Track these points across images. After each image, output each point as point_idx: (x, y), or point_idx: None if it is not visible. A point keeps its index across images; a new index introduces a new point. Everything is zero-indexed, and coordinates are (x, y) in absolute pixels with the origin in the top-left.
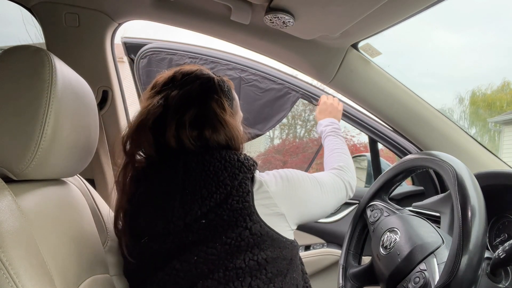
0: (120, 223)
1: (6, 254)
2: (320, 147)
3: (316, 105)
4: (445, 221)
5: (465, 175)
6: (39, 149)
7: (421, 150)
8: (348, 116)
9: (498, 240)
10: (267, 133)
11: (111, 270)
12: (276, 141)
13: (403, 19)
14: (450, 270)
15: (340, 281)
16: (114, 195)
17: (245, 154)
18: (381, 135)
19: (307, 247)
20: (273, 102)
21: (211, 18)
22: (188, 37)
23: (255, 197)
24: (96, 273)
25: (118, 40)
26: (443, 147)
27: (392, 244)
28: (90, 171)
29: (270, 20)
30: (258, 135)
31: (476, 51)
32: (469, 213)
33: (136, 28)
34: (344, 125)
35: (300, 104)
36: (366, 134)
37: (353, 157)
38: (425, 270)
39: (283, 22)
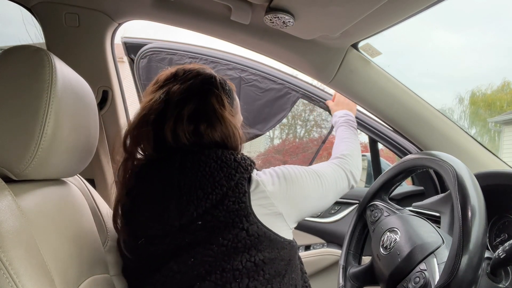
0: (119, 221)
1: (6, 254)
2: (321, 148)
3: (319, 106)
4: (445, 221)
5: (465, 175)
6: (39, 149)
7: (421, 150)
8: None
9: (498, 240)
10: (267, 133)
11: (111, 270)
12: (276, 141)
13: (403, 19)
14: (450, 270)
15: (340, 281)
16: (114, 195)
17: (242, 154)
18: (381, 135)
19: (307, 247)
20: (273, 102)
21: (211, 18)
22: (188, 37)
23: (251, 197)
24: (96, 273)
25: (118, 40)
26: (443, 147)
27: (392, 244)
28: (90, 171)
29: (270, 20)
30: (258, 135)
31: (476, 51)
32: (469, 213)
33: (136, 28)
34: None
35: (300, 104)
36: (366, 134)
37: None
38: (425, 270)
39: (283, 22)
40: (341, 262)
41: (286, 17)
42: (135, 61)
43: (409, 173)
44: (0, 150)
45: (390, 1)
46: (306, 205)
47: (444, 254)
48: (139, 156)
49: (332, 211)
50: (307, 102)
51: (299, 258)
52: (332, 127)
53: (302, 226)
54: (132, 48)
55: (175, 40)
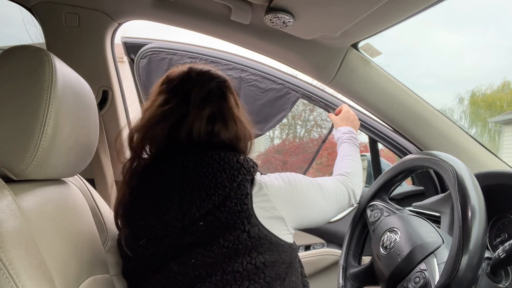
0: (119, 221)
1: (6, 254)
2: (320, 148)
3: (329, 112)
4: (445, 221)
5: (465, 175)
6: (39, 149)
7: (421, 150)
8: None
9: (498, 240)
10: (267, 133)
11: (111, 270)
12: (276, 141)
13: (403, 19)
14: (450, 270)
15: (340, 281)
16: (114, 195)
17: (245, 155)
18: (381, 135)
19: (307, 247)
20: (273, 102)
21: (211, 18)
22: (188, 37)
23: (254, 199)
24: (96, 273)
25: (118, 40)
26: (443, 147)
27: (392, 244)
28: (90, 171)
29: (270, 20)
30: (258, 135)
31: (476, 51)
32: (469, 213)
33: (136, 28)
34: None
35: (300, 104)
36: (366, 134)
37: None
38: (425, 270)
39: (283, 22)
40: (341, 262)
41: (286, 17)
42: (135, 61)
43: (409, 173)
44: (0, 150)
45: (390, 1)
46: (307, 213)
47: (444, 254)
48: (145, 156)
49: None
50: (307, 102)
51: (299, 261)
52: (332, 126)
53: None
54: (132, 48)
55: (175, 40)
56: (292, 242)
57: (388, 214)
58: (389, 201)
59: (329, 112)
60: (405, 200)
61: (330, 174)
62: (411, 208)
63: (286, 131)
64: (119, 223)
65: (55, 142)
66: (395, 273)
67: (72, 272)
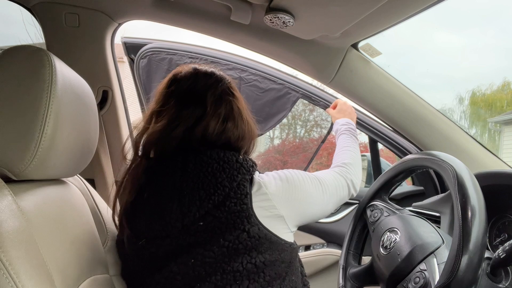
0: (118, 221)
1: (6, 254)
2: (320, 147)
3: (319, 106)
4: (445, 221)
5: (465, 175)
6: (39, 149)
7: (421, 150)
8: None
9: (498, 240)
10: (267, 133)
11: (111, 270)
12: (276, 141)
13: (403, 19)
14: (450, 270)
15: (340, 281)
16: (113, 194)
17: (244, 155)
18: (381, 135)
19: (307, 247)
20: (273, 102)
21: (211, 18)
22: (189, 37)
23: (253, 199)
24: (96, 273)
25: (118, 40)
26: (443, 147)
27: (392, 244)
28: (90, 171)
29: (270, 20)
30: (258, 135)
31: (476, 52)
32: (469, 213)
33: (139, 28)
34: None
35: (300, 104)
36: (366, 134)
37: None
38: (425, 270)
39: (283, 22)
40: (341, 262)
41: (286, 17)
42: (135, 61)
43: (409, 173)
44: (0, 150)
45: (390, 1)
46: (307, 209)
47: (444, 254)
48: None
49: (332, 211)
50: (307, 102)
51: (300, 261)
52: (332, 126)
53: (302, 226)
54: (132, 48)
55: (175, 40)
56: (292, 241)
57: (388, 214)
58: (389, 201)
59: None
60: (405, 200)
61: None
62: (411, 208)
63: (286, 131)
64: (119, 223)
65: (55, 142)
66: (395, 273)
67: (72, 272)
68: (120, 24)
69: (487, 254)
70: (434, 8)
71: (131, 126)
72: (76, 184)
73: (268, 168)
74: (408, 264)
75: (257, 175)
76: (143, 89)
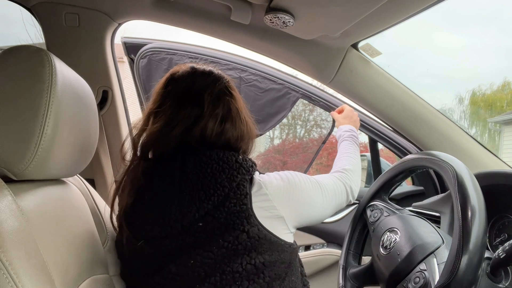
0: (117, 222)
1: (6, 254)
2: (321, 148)
3: (319, 106)
4: (445, 221)
5: (465, 175)
6: (39, 149)
7: (421, 150)
8: None
9: (498, 240)
10: (267, 133)
11: (111, 270)
12: (276, 141)
13: (403, 19)
14: (450, 270)
15: (340, 281)
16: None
17: (243, 155)
18: (381, 135)
19: (307, 247)
20: (273, 102)
21: (211, 18)
22: (188, 37)
23: (253, 199)
24: (96, 273)
25: (118, 40)
26: (443, 147)
27: (392, 244)
28: (90, 171)
29: (270, 20)
30: (258, 135)
31: (476, 52)
32: (469, 213)
33: (139, 28)
34: None
35: (300, 104)
36: (366, 134)
37: None
38: (425, 270)
39: (283, 22)
40: (341, 262)
41: (286, 17)
42: (135, 61)
43: (409, 173)
44: (0, 150)
45: (390, 1)
46: (307, 211)
47: (444, 254)
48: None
49: (330, 216)
50: (307, 102)
51: (300, 261)
52: (333, 126)
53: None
54: (132, 48)
55: (175, 40)
56: (292, 241)
57: (388, 214)
58: (389, 201)
59: (330, 112)
60: (405, 200)
61: None
62: (411, 208)
63: (286, 131)
64: (118, 224)
65: (55, 142)
66: (395, 273)
67: (72, 272)
68: (120, 24)
69: (487, 254)
70: (434, 8)
71: (131, 126)
72: (76, 184)
73: (268, 168)
74: (408, 264)
75: (257, 175)
76: (143, 89)
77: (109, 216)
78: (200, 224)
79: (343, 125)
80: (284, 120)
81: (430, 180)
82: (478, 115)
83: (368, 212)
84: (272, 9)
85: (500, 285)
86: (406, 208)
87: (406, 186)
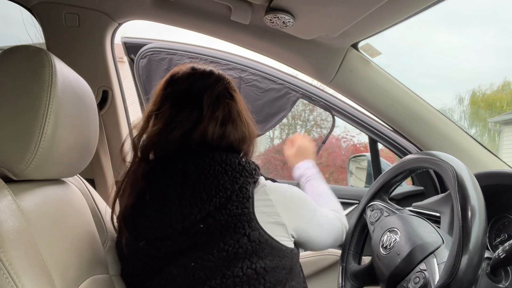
0: (118, 223)
1: (6, 254)
2: (320, 147)
3: (330, 112)
4: (445, 221)
5: (465, 175)
6: (39, 149)
7: (421, 150)
8: (348, 116)
9: (498, 240)
10: (267, 133)
11: (111, 270)
12: (276, 141)
13: (403, 19)
14: (450, 270)
15: (340, 281)
16: (113, 195)
17: (246, 157)
18: (381, 135)
19: None
20: (273, 102)
21: (211, 18)
22: (188, 37)
23: (256, 203)
24: (96, 273)
25: (118, 40)
26: (443, 147)
27: (392, 244)
28: (90, 171)
29: (270, 20)
30: (258, 135)
31: (476, 52)
32: (469, 213)
33: (139, 28)
34: (344, 125)
35: (300, 104)
36: (366, 134)
37: (353, 157)
38: (425, 270)
39: (283, 22)
40: (341, 262)
41: (286, 17)
42: (135, 61)
43: (409, 173)
44: (0, 150)
45: (390, 1)
46: (307, 228)
47: (444, 254)
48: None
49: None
50: (307, 102)
51: (300, 266)
52: (333, 126)
53: None
54: (132, 48)
55: (175, 40)
56: (293, 247)
57: (388, 214)
58: (389, 201)
59: (330, 112)
60: (405, 200)
61: (330, 174)
62: (411, 208)
63: (286, 131)
64: (118, 226)
65: (55, 142)
66: (395, 273)
67: (72, 272)
68: (120, 24)
69: (487, 254)
70: (434, 8)
71: (131, 126)
72: (76, 184)
73: (268, 168)
74: (408, 264)
75: (262, 180)
76: (143, 89)
77: (110, 216)
78: (201, 226)
79: (300, 163)
80: (284, 120)
81: (430, 180)
82: (478, 115)
83: (368, 212)
84: (272, 9)
85: (500, 285)
86: (406, 208)
87: (406, 186)
